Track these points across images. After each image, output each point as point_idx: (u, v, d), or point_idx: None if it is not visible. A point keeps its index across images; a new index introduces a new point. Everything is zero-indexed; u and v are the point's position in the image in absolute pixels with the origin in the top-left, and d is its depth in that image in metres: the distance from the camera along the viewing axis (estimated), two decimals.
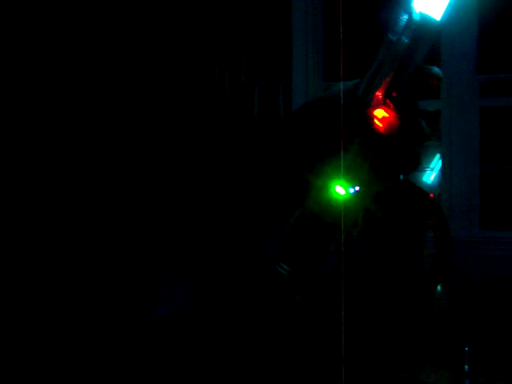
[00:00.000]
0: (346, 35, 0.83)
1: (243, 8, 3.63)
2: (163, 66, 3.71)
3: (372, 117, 0.70)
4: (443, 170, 3.59)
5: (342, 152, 0.71)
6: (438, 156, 3.82)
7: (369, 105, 0.71)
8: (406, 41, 0.68)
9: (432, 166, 3.82)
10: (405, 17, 0.68)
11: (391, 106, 0.70)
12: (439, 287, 2.88)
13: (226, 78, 3.53)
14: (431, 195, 3.36)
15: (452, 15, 3.48)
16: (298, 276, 0.74)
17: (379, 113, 0.69)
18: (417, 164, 0.77)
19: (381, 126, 0.70)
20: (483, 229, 3.52)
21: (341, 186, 0.72)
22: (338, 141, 0.71)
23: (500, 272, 3.24)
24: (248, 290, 0.87)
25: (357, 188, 0.73)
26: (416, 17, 0.68)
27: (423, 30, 0.69)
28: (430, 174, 3.79)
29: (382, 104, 0.70)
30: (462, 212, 3.48)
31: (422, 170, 3.84)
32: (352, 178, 0.72)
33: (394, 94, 0.70)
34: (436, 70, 0.73)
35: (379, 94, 0.70)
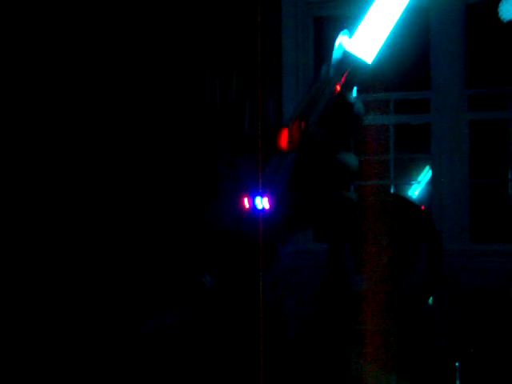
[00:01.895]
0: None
1: (233, 22, 3.65)
2: (154, 80, 3.71)
3: (279, 136, 0.75)
4: (433, 183, 3.60)
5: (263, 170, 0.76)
6: (426, 169, 3.84)
7: (285, 126, 0.76)
8: (331, 75, 0.73)
9: (420, 179, 3.84)
10: (338, 53, 0.73)
11: (296, 126, 0.75)
12: (430, 300, 2.88)
13: (217, 91, 3.54)
14: (422, 208, 3.37)
15: (440, 29, 3.51)
16: (216, 286, 0.77)
17: (283, 132, 0.75)
18: (349, 177, 0.79)
19: (282, 142, 0.75)
20: (474, 241, 3.53)
21: (260, 200, 0.76)
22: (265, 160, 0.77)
23: (490, 285, 3.25)
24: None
25: (266, 206, 0.76)
26: (345, 55, 0.73)
27: (351, 69, 0.74)
28: (419, 187, 3.81)
29: (291, 125, 0.75)
30: (453, 225, 3.49)
31: (412, 183, 3.86)
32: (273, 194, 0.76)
33: (303, 124, 0.75)
34: (358, 106, 0.77)
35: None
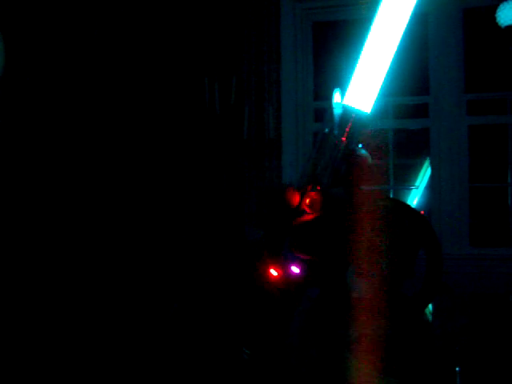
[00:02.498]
0: (336, 57, 0.86)
1: (233, 28, 3.66)
2: (154, 85, 3.72)
3: (290, 196, 0.78)
4: (432, 188, 3.61)
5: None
6: (422, 174, 3.85)
7: (300, 189, 0.78)
8: (336, 132, 0.75)
9: (417, 183, 3.84)
10: (337, 110, 0.75)
11: (315, 191, 0.77)
12: (430, 305, 2.88)
13: (216, 97, 3.54)
14: (421, 212, 3.37)
15: (439, 34, 3.52)
16: (255, 358, 0.79)
17: (294, 193, 0.78)
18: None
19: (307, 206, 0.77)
20: (473, 246, 3.54)
21: (274, 268, 0.78)
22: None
23: (490, 289, 3.25)
24: None
25: (296, 270, 0.78)
26: (345, 111, 0.74)
27: (352, 123, 0.75)
28: (418, 192, 3.81)
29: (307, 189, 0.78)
30: (452, 229, 3.49)
31: (410, 188, 3.86)
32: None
33: (318, 187, 0.78)
34: (363, 152, 0.80)
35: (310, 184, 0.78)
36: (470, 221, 3.55)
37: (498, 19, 1.76)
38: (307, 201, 0.78)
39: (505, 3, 1.70)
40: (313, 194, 0.79)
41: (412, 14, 3.81)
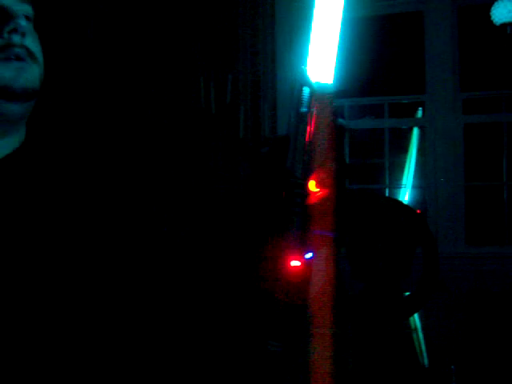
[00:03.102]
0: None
1: (227, 28, 3.66)
2: (149, 83, 3.72)
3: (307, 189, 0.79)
4: (428, 186, 3.61)
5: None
6: (406, 172, 3.84)
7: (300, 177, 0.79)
8: (313, 109, 0.77)
9: (404, 182, 3.83)
10: (306, 90, 0.77)
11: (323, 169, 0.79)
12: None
13: (212, 97, 3.54)
14: (418, 211, 3.38)
15: (434, 33, 3.53)
16: (283, 350, 0.81)
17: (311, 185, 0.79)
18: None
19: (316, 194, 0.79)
20: (469, 244, 3.54)
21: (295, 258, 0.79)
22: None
23: (486, 287, 3.26)
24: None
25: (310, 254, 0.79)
26: (314, 87, 0.77)
27: (324, 96, 0.78)
28: (407, 190, 3.80)
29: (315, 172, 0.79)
30: (448, 228, 3.50)
31: (401, 187, 3.86)
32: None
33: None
34: (341, 121, 0.82)
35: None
36: (466, 219, 3.55)
37: (492, 17, 1.76)
38: (317, 178, 0.78)
39: (499, 1, 1.70)
40: (321, 171, 0.80)
41: (408, 13, 3.81)
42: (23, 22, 0.97)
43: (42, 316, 0.89)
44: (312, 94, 0.78)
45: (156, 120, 3.71)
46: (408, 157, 3.85)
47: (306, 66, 0.82)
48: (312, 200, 0.78)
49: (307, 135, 0.77)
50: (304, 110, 0.78)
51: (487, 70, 3.62)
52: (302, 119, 0.78)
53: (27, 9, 1.01)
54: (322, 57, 0.81)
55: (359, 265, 2.49)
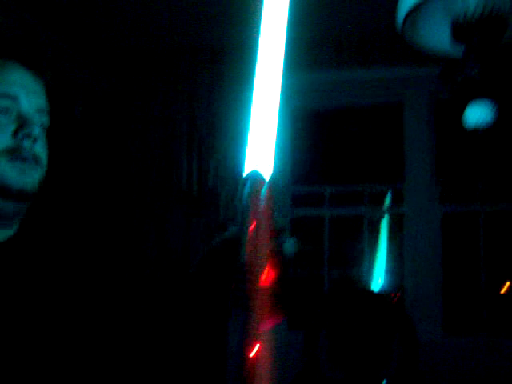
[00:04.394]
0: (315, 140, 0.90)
1: (211, 114, 3.75)
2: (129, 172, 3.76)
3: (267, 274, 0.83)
4: (407, 272, 3.63)
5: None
6: (382, 258, 3.85)
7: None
8: (254, 202, 0.80)
9: (380, 268, 3.84)
10: (247, 183, 0.80)
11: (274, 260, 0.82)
12: None
13: (194, 181, 3.58)
14: (397, 295, 3.39)
15: (413, 125, 3.65)
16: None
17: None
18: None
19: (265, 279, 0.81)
20: (446, 332, 3.53)
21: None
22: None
23: (466, 378, 3.23)
24: None
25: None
26: (254, 180, 0.80)
27: (260, 188, 0.81)
28: (379, 275, 3.80)
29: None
30: (425, 314, 3.49)
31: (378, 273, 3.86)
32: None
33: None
34: (280, 220, 0.86)
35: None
36: (444, 306, 3.55)
37: (464, 123, 1.83)
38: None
39: (469, 108, 1.78)
40: (272, 263, 0.82)
41: (387, 102, 3.92)
42: (36, 130, 1.06)
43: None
44: (252, 186, 0.81)
45: (139, 200, 3.74)
46: (382, 243, 3.88)
47: (247, 158, 0.84)
48: (259, 288, 0.80)
49: (250, 227, 0.79)
50: (245, 203, 0.81)
51: (464, 161, 3.72)
52: (244, 212, 0.81)
53: (44, 119, 1.13)
54: (260, 147, 0.84)
55: (338, 354, 2.48)
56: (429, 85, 3.57)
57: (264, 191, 0.82)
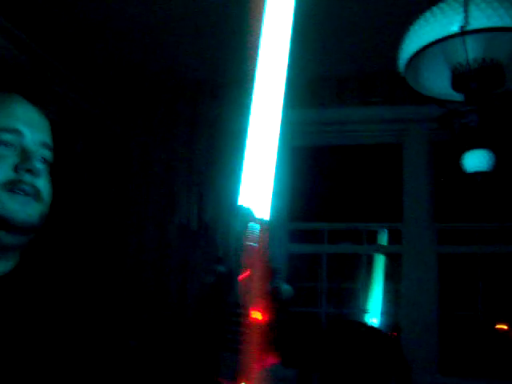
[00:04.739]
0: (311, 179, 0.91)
1: (211, 147, 3.77)
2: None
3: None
4: (403, 312, 3.61)
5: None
6: (371, 297, 3.84)
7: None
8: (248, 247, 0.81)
9: (375, 307, 3.83)
10: (237, 220, 0.81)
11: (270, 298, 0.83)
12: None
13: (194, 213, 3.60)
14: (394, 335, 3.37)
15: (411, 165, 3.67)
16: None
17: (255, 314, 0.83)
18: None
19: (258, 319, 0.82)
20: (443, 375, 3.50)
21: None
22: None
23: None
24: None
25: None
26: (242, 217, 0.81)
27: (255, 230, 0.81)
28: (372, 316, 3.79)
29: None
30: (421, 356, 3.46)
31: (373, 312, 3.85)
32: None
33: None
34: (285, 288, 0.86)
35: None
36: (440, 349, 3.52)
37: (463, 166, 1.85)
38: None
39: (469, 152, 1.79)
40: (268, 300, 0.83)
41: (387, 142, 3.94)
42: (38, 165, 1.07)
43: None
44: (242, 223, 0.81)
45: (138, 235, 3.74)
46: (378, 282, 3.88)
47: (241, 194, 0.84)
48: (252, 327, 0.81)
49: (244, 268, 0.80)
50: (235, 239, 0.81)
51: (462, 203, 3.74)
52: (237, 249, 0.81)
53: (47, 154, 1.13)
54: (257, 184, 0.84)
55: None
56: (428, 125, 3.60)
57: (257, 230, 0.82)
